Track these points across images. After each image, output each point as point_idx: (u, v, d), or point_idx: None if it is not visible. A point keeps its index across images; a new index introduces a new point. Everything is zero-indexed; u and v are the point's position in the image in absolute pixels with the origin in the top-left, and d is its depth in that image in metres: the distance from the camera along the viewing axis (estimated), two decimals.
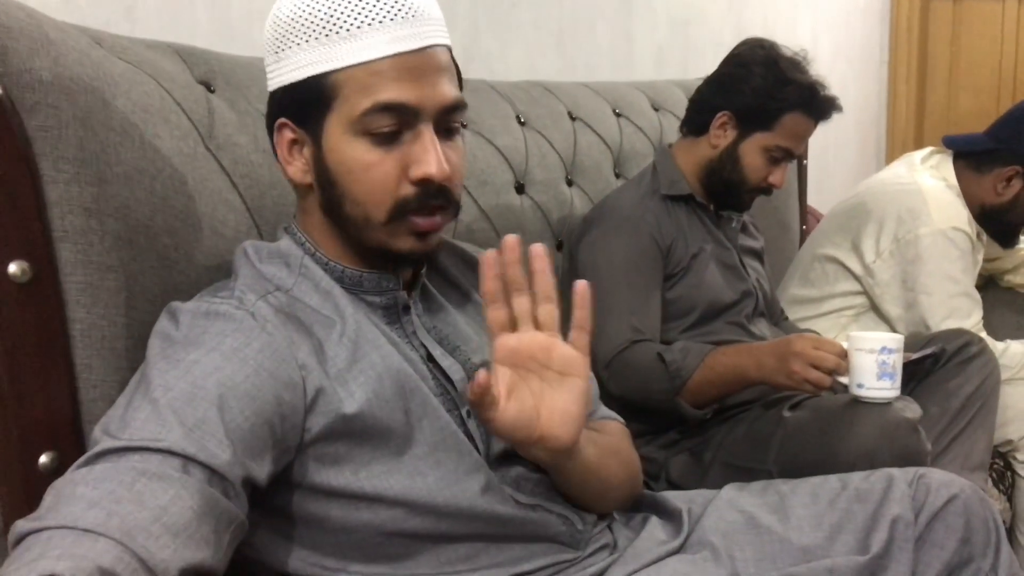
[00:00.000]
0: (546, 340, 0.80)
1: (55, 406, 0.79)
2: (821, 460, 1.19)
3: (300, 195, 0.91)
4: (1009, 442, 1.71)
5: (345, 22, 0.81)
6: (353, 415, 0.81)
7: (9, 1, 0.80)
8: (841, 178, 3.28)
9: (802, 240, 2.21)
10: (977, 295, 1.76)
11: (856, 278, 1.83)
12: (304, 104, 0.84)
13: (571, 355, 0.81)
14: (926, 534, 0.93)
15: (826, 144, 3.06)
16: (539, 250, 0.79)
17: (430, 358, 0.91)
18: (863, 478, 1.01)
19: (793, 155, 1.51)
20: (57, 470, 0.75)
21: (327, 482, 0.81)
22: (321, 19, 0.81)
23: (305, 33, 0.82)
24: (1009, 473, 1.72)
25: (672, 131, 1.76)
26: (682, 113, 1.60)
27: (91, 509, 0.62)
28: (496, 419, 0.79)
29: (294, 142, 0.87)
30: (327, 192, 0.86)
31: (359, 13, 0.81)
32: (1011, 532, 1.72)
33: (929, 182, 1.80)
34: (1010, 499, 1.71)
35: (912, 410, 1.26)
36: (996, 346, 1.67)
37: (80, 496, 0.63)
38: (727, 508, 1.01)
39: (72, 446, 0.79)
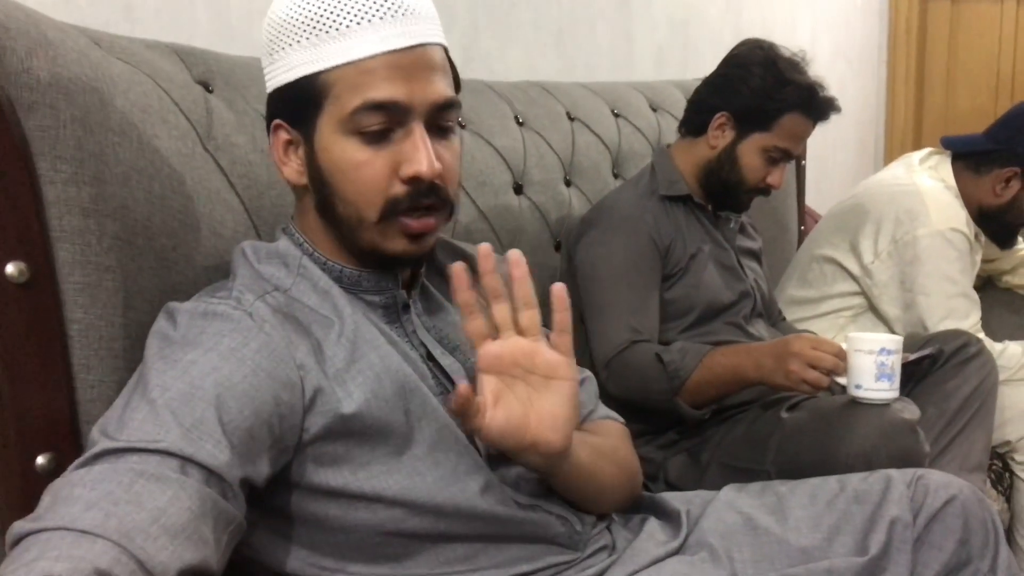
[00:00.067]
0: (529, 346, 0.81)
1: (53, 406, 0.79)
2: (819, 461, 1.19)
3: (297, 196, 0.91)
4: (1007, 443, 1.71)
5: (335, 21, 0.80)
6: (351, 415, 0.81)
7: (7, 1, 0.80)
8: (839, 179, 3.28)
9: (800, 241, 2.21)
10: (975, 296, 1.76)
11: (854, 279, 1.83)
12: (297, 105, 0.84)
13: (555, 359, 0.81)
14: (924, 535, 0.93)
15: (825, 145, 3.06)
16: (516, 256, 0.80)
17: (430, 357, 0.91)
18: (861, 479, 1.01)
19: (791, 156, 1.51)
20: (55, 471, 0.75)
21: (326, 482, 0.81)
22: (312, 19, 0.81)
23: (297, 34, 0.82)
24: (1007, 474, 1.72)
25: (670, 132, 1.76)
26: (680, 114, 1.60)
27: (89, 510, 0.62)
28: (484, 427, 0.79)
29: (289, 143, 0.87)
30: (320, 192, 0.86)
31: (349, 12, 0.80)
32: (1009, 533, 1.72)
33: (927, 183, 1.80)
34: (1008, 500, 1.71)
35: (910, 411, 1.26)
36: (994, 347, 1.68)
37: (78, 497, 0.63)
38: (726, 509, 1.01)
39: (70, 447, 0.79)
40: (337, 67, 0.81)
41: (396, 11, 0.81)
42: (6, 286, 0.75)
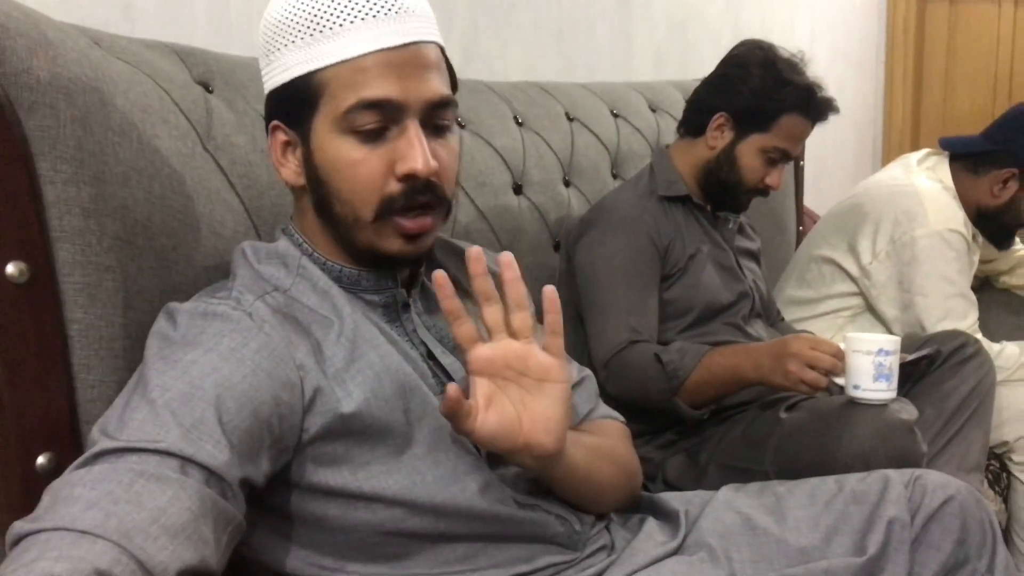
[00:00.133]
0: (521, 348, 0.81)
1: (53, 407, 0.79)
2: (818, 461, 1.20)
3: (296, 196, 0.91)
4: (1005, 443, 1.71)
5: (329, 20, 0.81)
6: (351, 415, 0.81)
7: (7, 1, 0.80)
8: (838, 179, 3.28)
9: (798, 241, 2.22)
10: (973, 296, 1.77)
11: (852, 279, 1.83)
12: (293, 105, 0.84)
13: (548, 361, 0.81)
14: (922, 535, 0.93)
15: (823, 145, 3.07)
16: (507, 259, 0.80)
17: (430, 356, 0.91)
18: (859, 479, 1.01)
19: (790, 156, 1.51)
20: (55, 471, 0.75)
21: (325, 482, 0.81)
22: (306, 19, 0.81)
23: (291, 34, 0.82)
24: (1005, 474, 1.73)
25: (669, 132, 1.76)
26: (679, 114, 1.60)
27: (89, 510, 0.62)
28: (477, 430, 0.79)
29: (287, 144, 0.87)
30: (317, 192, 0.86)
31: (343, 11, 0.80)
32: (1007, 533, 1.72)
33: (925, 184, 1.80)
34: (1006, 500, 1.71)
35: (908, 411, 1.27)
36: (992, 347, 1.68)
37: (78, 497, 0.63)
38: (724, 509, 1.01)
39: (70, 447, 0.79)
40: (331, 66, 0.81)
41: (390, 9, 0.81)
42: (6, 286, 0.75)
